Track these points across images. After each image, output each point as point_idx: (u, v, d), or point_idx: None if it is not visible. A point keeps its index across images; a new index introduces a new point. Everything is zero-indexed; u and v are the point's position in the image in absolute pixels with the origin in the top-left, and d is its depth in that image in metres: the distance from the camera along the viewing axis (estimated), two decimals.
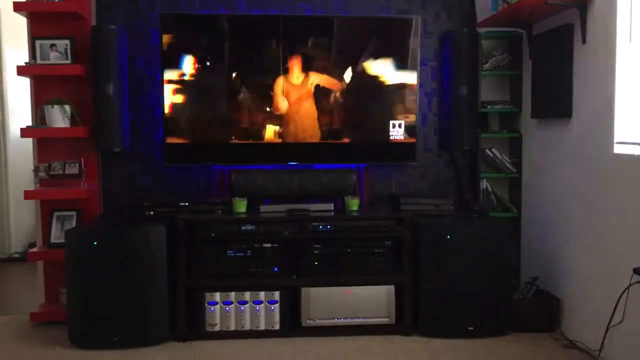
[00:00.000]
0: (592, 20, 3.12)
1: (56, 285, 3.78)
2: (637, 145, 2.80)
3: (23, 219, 5.60)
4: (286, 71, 3.73)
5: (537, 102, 3.68)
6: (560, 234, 3.50)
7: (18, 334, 3.56)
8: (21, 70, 3.64)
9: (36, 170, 3.76)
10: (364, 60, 3.76)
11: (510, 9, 3.49)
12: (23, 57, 3.80)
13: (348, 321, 3.48)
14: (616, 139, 2.94)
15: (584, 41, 3.18)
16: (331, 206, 3.66)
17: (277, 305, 3.46)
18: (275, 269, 3.49)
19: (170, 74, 3.67)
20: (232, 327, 3.45)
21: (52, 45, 3.69)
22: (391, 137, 3.84)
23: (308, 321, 3.47)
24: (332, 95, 3.78)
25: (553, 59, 3.46)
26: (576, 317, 3.34)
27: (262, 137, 3.76)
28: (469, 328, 3.42)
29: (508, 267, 3.50)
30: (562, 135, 3.46)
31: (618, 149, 2.93)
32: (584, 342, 3.21)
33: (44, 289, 3.87)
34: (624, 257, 2.85)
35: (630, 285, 2.76)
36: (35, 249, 3.80)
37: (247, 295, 3.46)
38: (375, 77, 3.79)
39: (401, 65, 3.80)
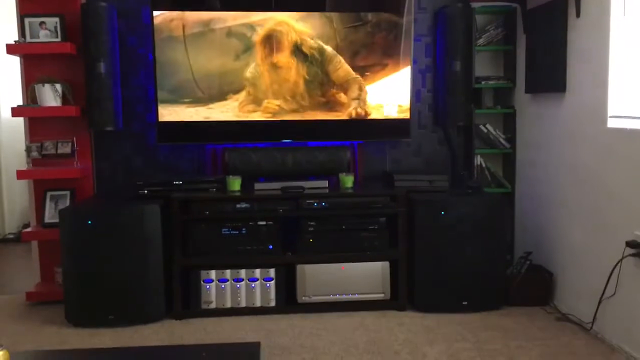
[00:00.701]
0: None
1: (51, 264, 3.78)
2: (630, 119, 2.81)
3: (16, 199, 5.59)
4: (279, 44, 3.69)
5: (531, 77, 3.67)
6: (553, 208, 3.52)
7: (14, 314, 3.57)
8: (11, 49, 3.59)
9: (28, 150, 3.73)
10: (353, 26, 3.73)
11: None
12: (12, 36, 3.74)
13: (343, 297, 3.50)
14: (610, 113, 2.94)
15: (578, 15, 3.17)
16: (326, 183, 3.66)
17: (272, 282, 3.48)
18: (270, 246, 3.50)
19: (161, 52, 3.62)
20: (228, 305, 3.47)
21: (42, 23, 3.64)
22: (385, 114, 3.83)
23: (303, 298, 3.49)
24: (329, 74, 3.75)
25: (547, 33, 3.44)
26: (569, 290, 3.38)
27: (257, 114, 3.74)
28: (463, 303, 3.45)
29: (502, 242, 3.53)
30: (556, 110, 3.46)
31: (612, 123, 2.93)
32: (576, 315, 3.25)
33: (39, 268, 3.87)
34: (616, 230, 2.88)
35: (623, 258, 2.79)
36: (29, 229, 3.80)
37: (243, 272, 3.47)
38: (367, 45, 3.76)
39: (394, 41, 3.77)
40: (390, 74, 3.80)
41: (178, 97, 3.68)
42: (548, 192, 3.58)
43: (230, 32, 3.65)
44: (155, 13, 3.60)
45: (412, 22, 3.78)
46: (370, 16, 3.72)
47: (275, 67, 3.70)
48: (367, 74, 3.78)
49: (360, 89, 3.78)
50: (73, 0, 3.68)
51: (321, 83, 3.75)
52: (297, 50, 3.69)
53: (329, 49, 3.72)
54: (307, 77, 3.72)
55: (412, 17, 3.78)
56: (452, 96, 3.85)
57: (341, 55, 3.73)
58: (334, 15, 3.70)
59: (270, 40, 3.66)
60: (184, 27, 3.60)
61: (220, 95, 3.71)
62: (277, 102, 3.72)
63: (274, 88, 3.72)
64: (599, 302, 2.97)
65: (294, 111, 3.76)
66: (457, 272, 3.43)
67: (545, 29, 3.47)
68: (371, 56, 3.77)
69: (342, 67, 3.74)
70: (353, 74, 3.75)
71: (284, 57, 3.69)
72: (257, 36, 3.65)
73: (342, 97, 3.78)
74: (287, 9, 3.67)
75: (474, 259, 3.43)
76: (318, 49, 3.70)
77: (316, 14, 3.69)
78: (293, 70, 3.70)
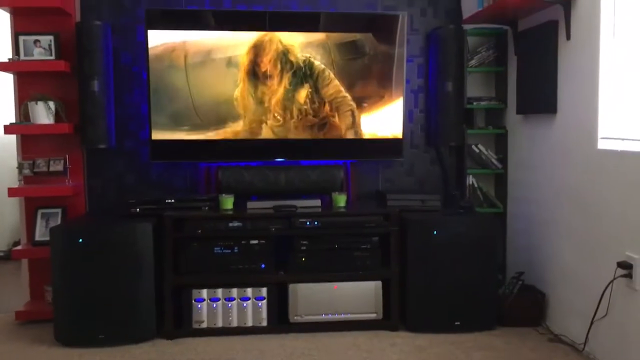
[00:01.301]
0: (577, 17, 3.15)
1: (41, 283, 3.75)
2: (621, 141, 2.83)
3: (7, 216, 5.54)
4: (273, 66, 3.72)
5: (522, 98, 3.70)
6: (545, 229, 3.53)
7: (3, 333, 3.53)
8: (4, 67, 3.59)
9: (20, 167, 3.72)
10: (350, 57, 3.77)
11: (495, 6, 3.51)
12: (6, 53, 3.75)
13: (335, 317, 3.49)
14: (600, 134, 2.96)
15: (568, 37, 3.21)
16: (318, 202, 3.66)
17: (264, 301, 3.46)
18: (263, 265, 3.49)
19: (155, 70, 3.64)
20: (220, 324, 3.44)
21: (36, 41, 3.65)
22: (378, 134, 3.85)
23: (295, 317, 3.47)
24: (319, 91, 3.77)
25: (538, 55, 3.48)
26: (561, 311, 3.38)
27: (250, 133, 3.75)
28: (456, 323, 3.44)
29: (494, 262, 3.53)
30: (547, 131, 3.49)
31: (602, 145, 2.96)
32: (569, 335, 3.24)
33: (29, 287, 3.84)
34: (607, 251, 2.89)
35: (614, 279, 2.80)
36: (19, 247, 3.77)
37: (235, 291, 3.45)
38: (363, 74, 3.79)
39: (388, 61, 3.80)
40: (384, 106, 3.83)
41: (177, 124, 3.70)
42: (539, 212, 3.59)
43: (229, 62, 3.68)
44: (157, 42, 3.62)
45: (404, 56, 3.81)
46: (367, 48, 3.76)
47: (271, 91, 3.72)
48: (364, 105, 3.82)
49: (353, 115, 3.80)
50: (68, 18, 3.70)
51: (316, 109, 3.78)
52: (294, 75, 3.72)
53: (321, 66, 3.74)
54: (301, 101, 3.74)
55: (404, 50, 3.81)
56: (444, 116, 3.88)
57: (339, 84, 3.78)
58: (332, 45, 3.73)
59: (270, 67, 3.70)
60: (185, 56, 3.63)
61: (218, 122, 3.72)
62: (276, 125, 3.74)
63: (270, 113, 3.75)
64: (591, 323, 2.97)
65: (288, 131, 3.78)
66: (450, 292, 3.43)
67: (536, 51, 3.51)
68: (368, 87, 3.81)
69: (332, 83, 3.76)
70: (345, 95, 3.78)
71: (280, 82, 3.72)
72: (260, 66, 3.69)
73: (336, 121, 3.81)
74: (281, 29, 3.70)
75: (466, 279, 3.43)
76: (313, 70, 3.73)
77: (316, 44, 3.73)
78: (288, 94, 3.73)
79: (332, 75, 3.76)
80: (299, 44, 3.72)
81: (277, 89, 3.73)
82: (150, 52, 3.61)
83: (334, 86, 3.76)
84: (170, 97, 3.67)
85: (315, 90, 3.76)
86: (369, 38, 3.77)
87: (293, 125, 3.78)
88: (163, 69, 3.64)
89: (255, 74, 3.71)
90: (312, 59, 3.72)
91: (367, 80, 3.80)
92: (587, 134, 3.05)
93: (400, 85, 3.82)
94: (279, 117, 3.75)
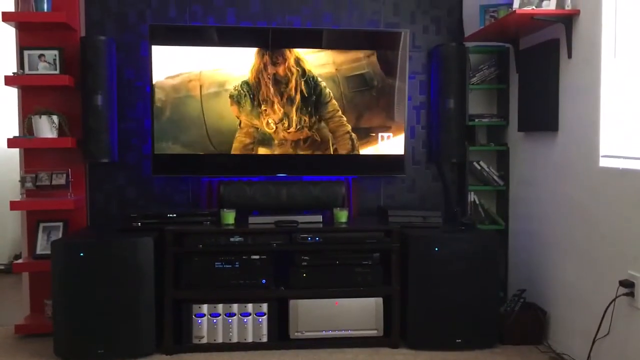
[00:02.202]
0: (578, 36, 3.17)
1: (41, 297, 3.74)
2: (622, 159, 2.84)
3: (8, 229, 5.54)
4: (275, 82, 3.75)
5: (523, 115, 3.72)
6: (547, 246, 3.52)
7: (3, 347, 3.51)
8: (9, 80, 3.62)
9: (23, 180, 3.72)
10: (352, 73, 3.79)
11: (497, 24, 3.54)
12: (11, 67, 3.78)
13: (336, 333, 3.47)
14: (602, 152, 2.97)
15: (569, 56, 3.23)
16: (320, 218, 3.66)
17: (265, 317, 3.45)
18: (264, 280, 3.48)
19: (159, 85, 3.66)
20: (220, 340, 3.43)
21: (41, 56, 3.68)
22: (380, 150, 3.86)
23: (296, 333, 3.45)
24: (321, 107, 3.79)
25: (539, 73, 3.50)
26: (563, 329, 3.36)
27: (251, 149, 3.77)
28: (457, 340, 3.42)
29: (495, 280, 3.52)
30: (548, 149, 3.49)
31: (604, 163, 2.96)
32: (570, 354, 3.22)
33: (29, 300, 3.82)
34: (609, 269, 2.88)
35: (616, 297, 2.78)
36: (20, 261, 3.76)
37: (235, 307, 3.44)
38: (365, 90, 3.81)
39: (390, 78, 3.82)
40: (388, 137, 3.87)
41: (191, 150, 3.73)
42: (541, 229, 3.59)
43: (239, 86, 3.75)
44: (173, 72, 3.67)
45: (405, 74, 3.85)
46: (375, 82, 3.80)
47: (273, 110, 3.76)
48: (371, 135, 3.86)
49: (352, 138, 3.84)
50: (73, 33, 3.73)
51: (316, 127, 3.81)
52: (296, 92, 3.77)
53: (322, 83, 3.77)
54: (302, 118, 3.78)
55: (406, 67, 3.84)
56: (446, 133, 3.89)
57: (345, 115, 3.82)
58: (342, 79, 3.78)
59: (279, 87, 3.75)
60: (201, 87, 3.68)
61: (229, 148, 3.77)
62: (279, 140, 3.78)
63: (279, 136, 3.80)
64: (593, 342, 2.95)
65: (289, 147, 3.80)
66: (451, 309, 3.42)
67: (537, 69, 3.53)
68: (374, 119, 3.85)
69: (331, 102, 3.79)
70: (341, 116, 3.81)
71: (281, 99, 3.76)
72: (264, 86, 3.76)
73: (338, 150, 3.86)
74: (284, 46, 3.73)
75: (468, 296, 3.42)
76: (316, 87, 3.77)
77: (326, 76, 3.78)
78: (288, 111, 3.76)
79: (331, 95, 3.78)
80: (308, 65, 3.76)
81: (279, 106, 3.76)
82: (166, 82, 3.67)
83: (332, 104, 3.79)
84: (188, 128, 3.71)
85: (316, 108, 3.78)
86: (373, 60, 3.79)
87: (294, 139, 3.79)
88: (180, 98, 3.69)
89: (258, 94, 3.74)
90: (317, 78, 3.76)
91: (373, 110, 3.84)
92: (589, 151, 3.06)
93: (402, 104, 3.85)
94: (282, 132, 3.77)
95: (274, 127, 3.75)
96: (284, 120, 3.76)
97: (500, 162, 4.08)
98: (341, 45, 3.80)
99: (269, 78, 3.71)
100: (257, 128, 3.75)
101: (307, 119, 3.77)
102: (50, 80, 3.64)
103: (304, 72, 3.75)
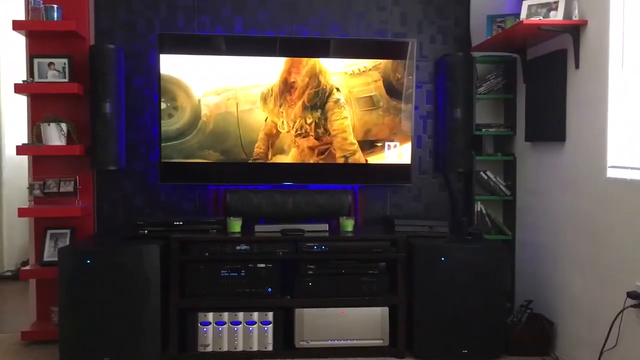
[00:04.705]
0: (585, 47, 3.16)
1: (48, 304, 3.75)
2: (630, 170, 2.83)
3: (16, 236, 5.57)
4: (283, 92, 3.76)
5: (531, 125, 3.71)
6: (554, 257, 3.51)
7: (9, 353, 3.52)
8: (19, 88, 3.65)
9: (31, 187, 3.75)
10: (360, 83, 3.80)
11: (504, 35, 3.54)
12: (21, 75, 3.81)
13: (342, 343, 3.46)
14: (609, 163, 2.96)
15: (577, 66, 3.23)
16: (326, 227, 3.67)
17: (270, 326, 3.44)
18: (269, 289, 3.48)
19: (217, 123, 3.72)
20: (225, 348, 3.42)
21: (50, 64, 3.71)
22: (386, 159, 3.86)
23: (301, 342, 3.45)
24: (328, 116, 3.80)
25: (547, 83, 3.50)
26: (570, 340, 3.34)
27: (258, 158, 3.78)
28: (463, 351, 3.41)
29: (502, 290, 3.50)
30: (556, 159, 3.48)
31: (611, 173, 2.95)
32: None
33: (35, 307, 3.84)
34: (617, 281, 2.86)
35: (624, 309, 2.76)
36: (27, 267, 3.78)
37: (241, 315, 3.44)
38: (371, 100, 3.82)
39: (397, 88, 3.83)
40: (394, 147, 3.89)
41: (226, 158, 3.78)
42: (548, 240, 3.57)
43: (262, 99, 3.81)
44: (208, 87, 3.73)
45: (413, 83, 3.86)
46: (381, 103, 3.83)
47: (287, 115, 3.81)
48: (376, 146, 3.87)
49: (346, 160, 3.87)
50: (82, 42, 3.76)
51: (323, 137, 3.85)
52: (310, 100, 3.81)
53: (337, 97, 3.79)
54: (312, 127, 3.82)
55: (413, 77, 3.86)
56: (452, 143, 3.89)
57: (354, 133, 3.85)
58: (353, 100, 3.82)
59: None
60: (237, 104, 3.75)
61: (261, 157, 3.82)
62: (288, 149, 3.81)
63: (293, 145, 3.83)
64: (601, 354, 2.93)
65: (297, 156, 3.81)
66: (457, 319, 3.40)
67: (544, 79, 3.52)
68: (380, 134, 3.86)
69: (341, 115, 3.81)
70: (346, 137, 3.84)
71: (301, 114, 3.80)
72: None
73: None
74: (292, 54, 3.75)
75: (474, 306, 3.40)
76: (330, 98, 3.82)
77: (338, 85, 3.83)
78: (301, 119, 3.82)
79: (343, 111, 3.81)
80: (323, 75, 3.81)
81: (291, 118, 3.79)
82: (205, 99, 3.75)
83: (340, 122, 3.82)
84: (224, 140, 3.78)
85: (325, 119, 3.80)
86: (380, 69, 3.82)
87: (304, 149, 3.80)
88: (221, 119, 3.76)
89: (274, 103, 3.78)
90: (335, 88, 3.81)
91: (378, 126, 3.85)
92: (596, 162, 3.05)
93: (408, 136, 3.88)
94: (292, 142, 3.78)
95: (286, 128, 3.78)
96: (295, 124, 3.78)
97: (507, 172, 4.07)
98: (349, 54, 3.81)
99: (281, 94, 3.75)
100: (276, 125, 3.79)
101: (313, 126, 3.79)
102: (59, 88, 3.67)
103: (318, 83, 3.77)
